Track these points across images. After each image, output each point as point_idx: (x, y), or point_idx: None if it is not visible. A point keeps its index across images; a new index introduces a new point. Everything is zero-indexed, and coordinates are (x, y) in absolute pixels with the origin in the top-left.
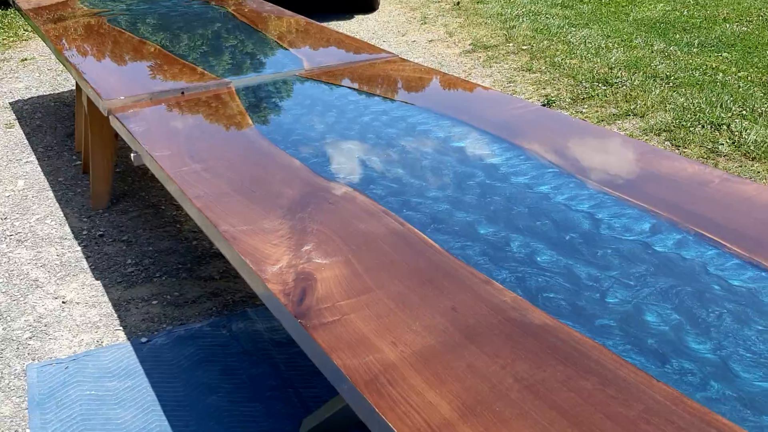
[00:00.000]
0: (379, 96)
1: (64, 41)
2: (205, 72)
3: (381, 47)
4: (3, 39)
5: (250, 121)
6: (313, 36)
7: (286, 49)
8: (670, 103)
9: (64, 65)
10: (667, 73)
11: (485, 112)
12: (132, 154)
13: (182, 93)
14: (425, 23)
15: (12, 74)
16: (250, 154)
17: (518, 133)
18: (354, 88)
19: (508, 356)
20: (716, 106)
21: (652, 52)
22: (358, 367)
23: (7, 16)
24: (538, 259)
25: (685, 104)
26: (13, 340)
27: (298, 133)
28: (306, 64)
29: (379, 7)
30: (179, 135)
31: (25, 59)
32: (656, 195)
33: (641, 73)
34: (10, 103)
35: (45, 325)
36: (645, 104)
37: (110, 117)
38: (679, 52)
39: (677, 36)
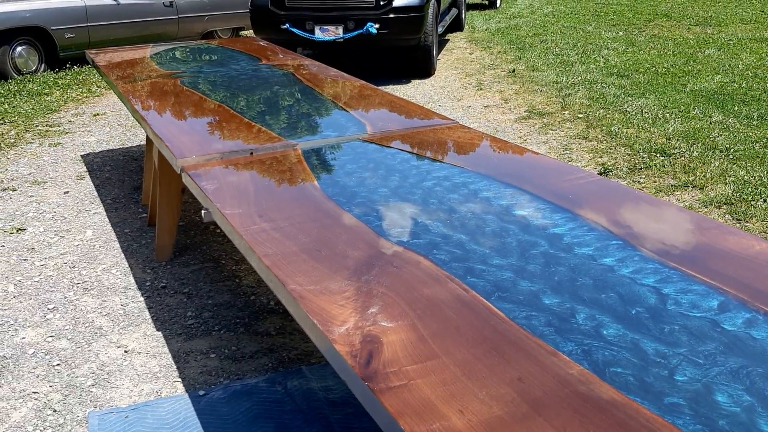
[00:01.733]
0: (440, 161)
1: (138, 98)
2: (273, 133)
3: (438, 112)
4: (78, 95)
5: (316, 183)
6: (374, 100)
7: (349, 113)
8: (730, 176)
9: (138, 121)
10: (727, 145)
11: (545, 180)
12: (203, 211)
13: (251, 153)
14: (481, 89)
15: (84, 128)
16: (317, 214)
17: (580, 202)
18: (416, 153)
19: (576, 430)
20: None
21: (711, 123)
22: None
23: (82, 73)
24: (604, 332)
25: (745, 177)
26: (76, 386)
27: (362, 195)
28: (369, 128)
29: (436, 72)
30: (248, 194)
31: (97, 114)
32: (723, 271)
33: (699, 144)
34: (82, 156)
35: (107, 374)
36: (704, 176)
37: (183, 174)
38: (738, 124)
39: (736, 108)
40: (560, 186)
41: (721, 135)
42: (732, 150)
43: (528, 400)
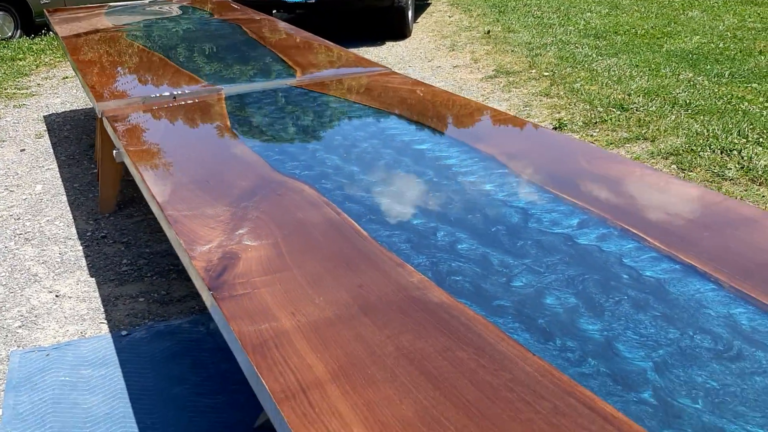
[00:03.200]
0: (358, 103)
1: (77, 49)
2: (201, 80)
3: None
4: (51, 59)
5: (228, 123)
6: (314, 51)
7: (285, 62)
8: (683, 129)
9: (74, 72)
10: (688, 101)
11: (456, 119)
12: (114, 151)
13: (174, 98)
14: (453, 50)
15: (52, 90)
16: (219, 151)
17: (481, 137)
18: (337, 96)
19: (396, 328)
20: (732, 133)
21: (678, 81)
22: (252, 333)
23: (57, 38)
24: (459, 246)
25: (699, 130)
26: (3, 328)
27: (269, 134)
28: (300, 75)
29: (411, 34)
30: (157, 134)
31: (67, 77)
32: (594, 194)
33: (660, 100)
34: (44, 116)
35: (36, 316)
36: (657, 129)
37: (102, 119)
38: (706, 82)
39: (708, 67)
40: (466, 122)
41: (685, 92)
42: (692, 105)
43: (361, 303)
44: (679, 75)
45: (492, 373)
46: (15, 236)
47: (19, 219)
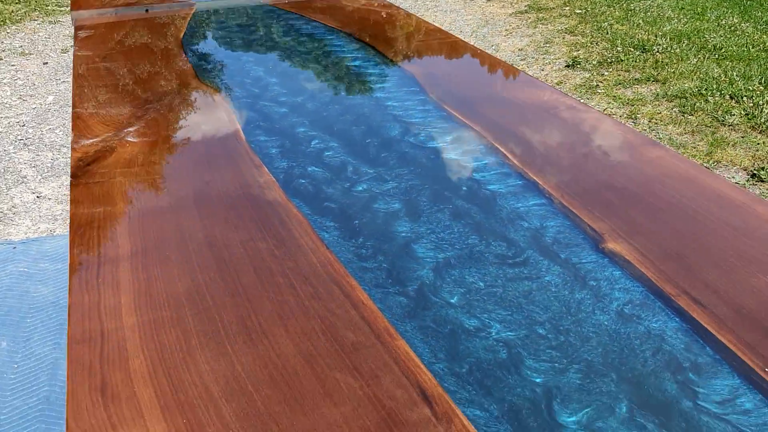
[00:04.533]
0: (318, 21)
1: None
2: None
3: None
4: None
5: (181, 34)
6: None
7: None
8: (700, 73)
9: None
10: (719, 46)
11: (395, 39)
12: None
13: (147, 11)
14: None
15: None
16: (155, 59)
17: (409, 56)
18: (300, 14)
19: (216, 220)
20: (752, 80)
21: (718, 26)
22: (84, 215)
23: None
24: (325, 153)
25: (716, 75)
26: None
27: (213, 44)
28: None
29: None
30: (110, 42)
31: None
32: (487, 114)
33: (688, 43)
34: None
35: (14, 213)
36: (673, 72)
37: (76, 31)
38: (750, 29)
39: (759, 14)
40: (409, 44)
41: (721, 37)
42: (722, 50)
43: (199, 197)
44: (721, 20)
45: (279, 261)
46: (15, 141)
47: (23, 126)
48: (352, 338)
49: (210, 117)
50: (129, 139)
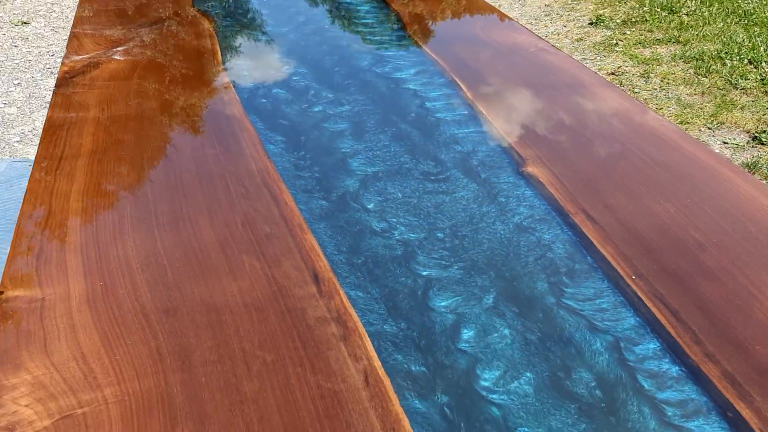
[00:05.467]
0: None
1: None
2: None
3: None
4: None
5: None
6: None
7: None
8: (724, 38)
9: None
10: (751, 12)
11: None
12: None
13: None
14: None
15: None
16: None
17: (410, 4)
18: None
19: (174, 128)
20: None
21: None
22: (59, 118)
23: None
24: (293, 79)
25: (740, 40)
26: (5, 141)
27: None
28: None
29: None
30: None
31: None
32: (456, 52)
33: (719, 7)
34: None
35: (35, 135)
36: (696, 34)
37: None
38: None
39: None
40: None
41: (755, 3)
42: (752, 16)
43: (165, 109)
44: None
45: (221, 166)
46: (44, 70)
47: (53, 56)
48: (267, 231)
49: (198, 45)
50: (115, 57)
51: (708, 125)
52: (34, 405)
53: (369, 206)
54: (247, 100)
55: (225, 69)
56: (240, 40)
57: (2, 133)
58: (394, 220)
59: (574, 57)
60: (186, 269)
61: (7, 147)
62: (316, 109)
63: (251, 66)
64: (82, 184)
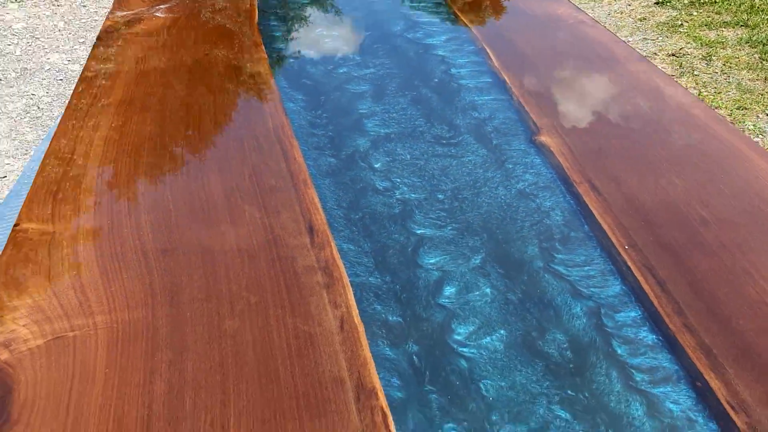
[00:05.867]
0: None
1: None
2: None
3: None
4: None
5: None
6: None
7: None
8: None
9: None
10: None
11: None
12: None
13: None
14: None
15: None
16: None
17: None
18: None
19: (200, 83)
20: None
21: None
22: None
23: None
24: (325, 41)
25: None
26: (65, 95)
27: None
28: None
29: None
30: None
31: None
32: (492, 22)
33: None
34: None
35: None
36: (767, 18)
37: None
38: None
39: None
40: None
41: None
42: None
43: (195, 65)
44: None
45: (238, 120)
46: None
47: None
48: (273, 183)
49: (236, 2)
50: (156, 14)
51: (767, 112)
52: (31, 326)
53: (376, 165)
54: (275, 59)
55: (259, 28)
56: (278, 1)
57: (64, 89)
58: (398, 180)
59: (635, 36)
60: (189, 214)
61: (66, 101)
62: (341, 71)
63: (284, 27)
64: (105, 132)
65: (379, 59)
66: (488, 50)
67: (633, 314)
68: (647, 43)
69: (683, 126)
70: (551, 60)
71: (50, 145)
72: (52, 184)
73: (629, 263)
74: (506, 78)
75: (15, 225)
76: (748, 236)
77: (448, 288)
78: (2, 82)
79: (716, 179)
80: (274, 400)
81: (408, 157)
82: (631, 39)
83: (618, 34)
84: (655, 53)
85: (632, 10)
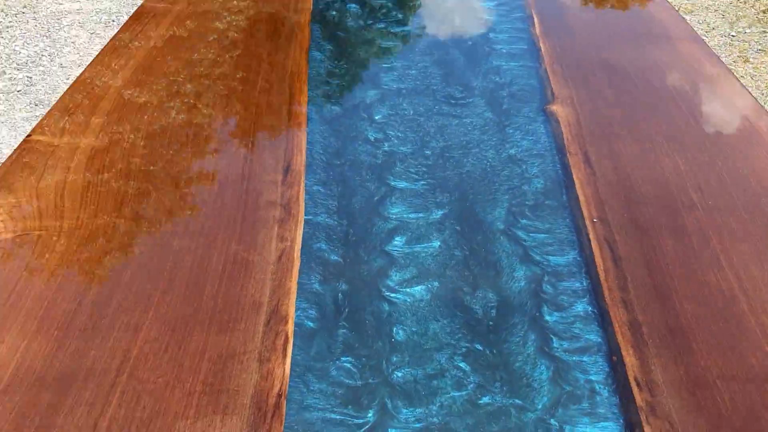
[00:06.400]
0: None
1: None
2: None
3: None
4: None
5: None
6: None
7: None
8: None
9: None
10: None
11: None
12: None
13: None
14: None
15: None
16: None
17: None
18: None
19: (237, 25)
20: None
21: None
22: None
23: None
24: None
25: None
26: None
27: None
28: None
29: None
30: None
31: None
32: None
33: None
34: None
35: None
36: None
37: None
38: None
39: None
40: None
41: None
42: None
43: (238, 24)
44: None
45: (261, 61)
46: None
47: None
48: (269, 123)
49: None
50: None
51: None
52: (6, 221)
53: (376, 117)
54: (317, 10)
55: None
56: None
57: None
58: (392, 133)
59: (753, 28)
60: (183, 137)
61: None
62: (379, 26)
63: None
64: (138, 63)
65: (416, 16)
66: (535, 17)
67: (576, 285)
68: (765, 36)
69: (710, 105)
70: (597, 32)
71: (84, 71)
72: (72, 104)
73: (591, 235)
74: (542, 46)
75: (27, 136)
76: (733, 224)
77: (399, 238)
78: None
79: (721, 163)
80: (191, 313)
81: (411, 112)
82: (748, 30)
83: (736, 24)
84: (691, 28)
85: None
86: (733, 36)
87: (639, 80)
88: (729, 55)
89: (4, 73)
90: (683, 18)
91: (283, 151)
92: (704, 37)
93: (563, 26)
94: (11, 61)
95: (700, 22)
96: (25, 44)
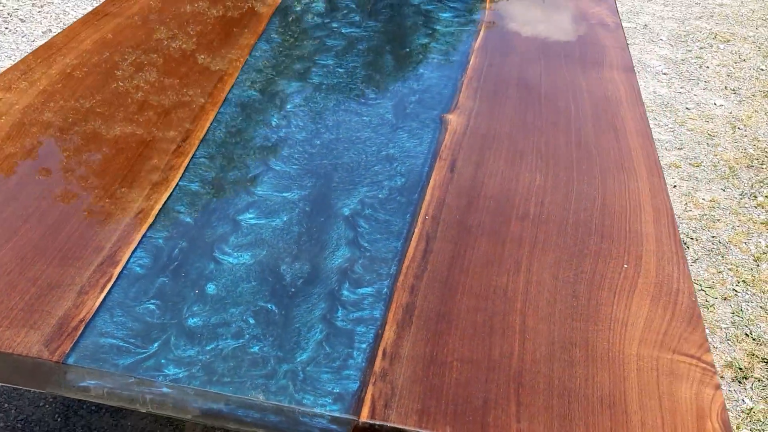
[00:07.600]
0: None
1: None
2: None
3: None
4: None
5: None
6: None
7: None
8: None
9: None
10: None
11: None
12: None
13: None
14: None
15: None
16: None
17: None
18: None
19: None
20: None
21: None
22: None
23: None
24: None
25: None
26: None
27: None
28: None
29: None
30: None
31: None
32: (510, 10)
33: None
34: None
35: None
36: None
37: None
38: None
39: None
40: None
41: None
42: None
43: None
44: None
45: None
46: None
47: None
48: (188, 101)
49: None
50: None
51: None
52: None
53: (287, 106)
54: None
55: None
56: None
57: None
58: (294, 121)
59: None
60: (119, 106)
61: None
62: (334, 25)
63: None
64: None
65: (376, 21)
66: (482, 32)
67: (384, 270)
68: None
69: (599, 136)
70: (533, 53)
71: (75, 23)
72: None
73: (416, 230)
74: (472, 60)
75: None
76: (553, 237)
77: (252, 210)
78: None
79: (576, 186)
80: (43, 247)
81: (320, 106)
82: None
83: None
84: (629, 55)
85: None
86: (762, 70)
87: (546, 102)
88: (749, 89)
89: None
90: (627, 47)
91: (189, 124)
92: (731, 68)
93: (503, 44)
94: None
95: (733, 52)
96: None
